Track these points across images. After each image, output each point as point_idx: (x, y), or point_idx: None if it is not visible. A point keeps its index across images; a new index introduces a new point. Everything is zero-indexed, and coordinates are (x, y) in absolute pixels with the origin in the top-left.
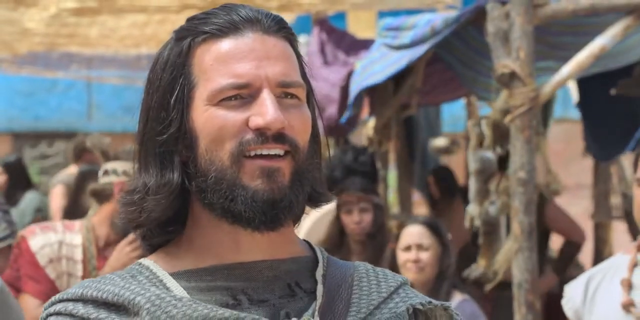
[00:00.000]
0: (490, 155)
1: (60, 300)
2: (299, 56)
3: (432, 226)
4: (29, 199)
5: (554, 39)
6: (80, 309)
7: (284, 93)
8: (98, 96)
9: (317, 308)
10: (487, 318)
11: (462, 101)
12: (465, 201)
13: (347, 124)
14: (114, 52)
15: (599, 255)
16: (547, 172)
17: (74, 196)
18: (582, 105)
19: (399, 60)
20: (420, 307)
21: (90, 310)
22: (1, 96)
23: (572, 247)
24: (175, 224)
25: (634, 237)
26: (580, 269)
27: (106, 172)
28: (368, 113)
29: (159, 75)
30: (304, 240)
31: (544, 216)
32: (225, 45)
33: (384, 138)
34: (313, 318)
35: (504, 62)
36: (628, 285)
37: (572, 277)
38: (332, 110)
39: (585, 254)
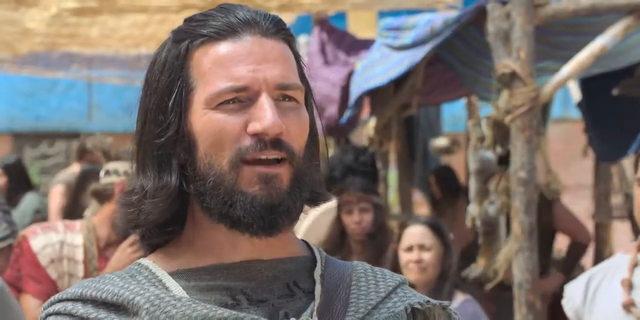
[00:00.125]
0: (490, 155)
1: (60, 300)
2: (297, 57)
3: (434, 226)
4: (28, 200)
5: (555, 38)
6: (79, 308)
7: (282, 95)
8: (98, 96)
9: (315, 308)
10: (489, 318)
11: (463, 101)
12: (467, 201)
13: (348, 124)
14: (115, 52)
15: (600, 255)
16: (548, 172)
17: (75, 196)
18: (586, 105)
19: (401, 62)
20: (419, 306)
21: (90, 310)
22: (2, 96)
23: (578, 247)
24: (174, 225)
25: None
26: (580, 269)
27: (107, 173)
28: (368, 113)
29: (156, 77)
30: (302, 240)
31: (552, 216)
32: (224, 48)
33: (384, 138)
34: (311, 318)
35: (505, 62)
36: (628, 285)
37: (572, 277)
38: (332, 110)
39: (586, 254)
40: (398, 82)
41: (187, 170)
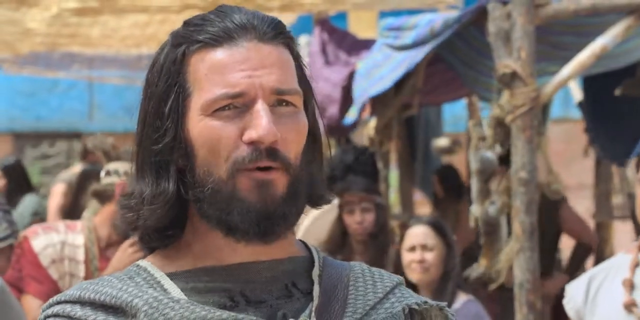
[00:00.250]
0: (490, 155)
1: (58, 302)
2: (298, 59)
3: (437, 226)
4: (27, 202)
5: (556, 39)
6: (78, 311)
7: (278, 101)
8: (99, 96)
9: (313, 309)
10: (492, 318)
11: (464, 101)
12: (470, 201)
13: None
14: (116, 52)
15: (600, 255)
16: (549, 172)
17: (75, 196)
18: (588, 105)
19: (402, 63)
20: (416, 307)
21: (88, 312)
22: (2, 96)
23: (583, 249)
24: (173, 229)
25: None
26: (581, 270)
27: (108, 173)
28: (369, 113)
29: (155, 80)
30: (300, 240)
31: (557, 217)
32: (220, 54)
33: (385, 138)
34: (310, 319)
35: (505, 62)
36: (630, 285)
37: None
38: (333, 110)
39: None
40: (399, 82)
41: (185, 177)
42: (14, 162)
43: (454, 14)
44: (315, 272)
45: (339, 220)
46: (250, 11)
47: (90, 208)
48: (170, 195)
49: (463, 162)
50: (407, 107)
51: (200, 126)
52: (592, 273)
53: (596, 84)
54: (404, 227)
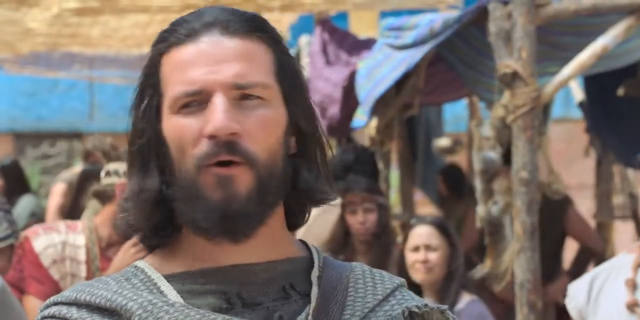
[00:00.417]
0: (493, 155)
1: (55, 304)
2: (280, 53)
3: (441, 226)
4: (24, 203)
5: (556, 39)
6: (74, 313)
7: (242, 95)
8: (100, 96)
9: (311, 311)
10: (496, 319)
11: (464, 101)
12: (475, 201)
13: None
14: (116, 52)
15: (601, 255)
16: (549, 171)
17: (75, 196)
18: (590, 105)
19: (402, 62)
20: (416, 309)
21: (84, 314)
22: (3, 96)
23: (588, 253)
24: (169, 229)
25: None
26: (584, 274)
27: (108, 173)
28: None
29: (139, 81)
30: (300, 240)
31: (564, 219)
32: (182, 52)
33: (386, 138)
34: None
35: (506, 62)
36: (632, 285)
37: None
38: (334, 110)
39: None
40: (399, 82)
41: (166, 176)
42: (11, 163)
43: (454, 13)
44: (315, 274)
45: (342, 220)
46: (228, 9)
47: (90, 208)
48: (150, 195)
49: (464, 162)
50: (408, 107)
51: (168, 124)
52: (595, 273)
53: (597, 84)
54: (405, 227)
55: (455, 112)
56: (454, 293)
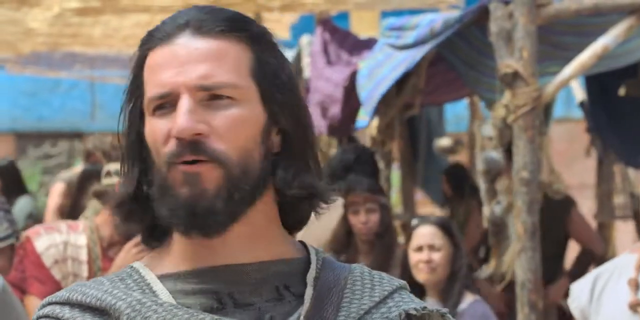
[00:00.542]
0: (495, 155)
1: (50, 303)
2: (262, 52)
3: (444, 226)
4: (21, 204)
5: (557, 39)
6: (66, 312)
7: (211, 95)
8: (101, 96)
9: (303, 312)
10: (499, 319)
11: (465, 101)
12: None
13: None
14: (117, 52)
15: (602, 258)
16: (550, 171)
17: (76, 196)
18: (591, 105)
19: (403, 62)
20: (414, 312)
21: (76, 314)
22: (5, 96)
23: (589, 255)
24: (157, 229)
25: None
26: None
27: (108, 173)
28: None
29: (127, 83)
30: (300, 241)
31: (567, 221)
32: (157, 55)
33: (387, 138)
34: None
35: (507, 62)
36: (635, 285)
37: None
38: (335, 110)
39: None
40: (400, 82)
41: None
42: (7, 164)
43: (455, 13)
44: (311, 275)
45: (344, 220)
46: (204, 8)
47: (91, 208)
48: (127, 196)
49: (465, 162)
50: (409, 107)
51: (147, 126)
52: (597, 272)
53: (598, 84)
54: (406, 227)
55: (456, 112)
56: (457, 293)
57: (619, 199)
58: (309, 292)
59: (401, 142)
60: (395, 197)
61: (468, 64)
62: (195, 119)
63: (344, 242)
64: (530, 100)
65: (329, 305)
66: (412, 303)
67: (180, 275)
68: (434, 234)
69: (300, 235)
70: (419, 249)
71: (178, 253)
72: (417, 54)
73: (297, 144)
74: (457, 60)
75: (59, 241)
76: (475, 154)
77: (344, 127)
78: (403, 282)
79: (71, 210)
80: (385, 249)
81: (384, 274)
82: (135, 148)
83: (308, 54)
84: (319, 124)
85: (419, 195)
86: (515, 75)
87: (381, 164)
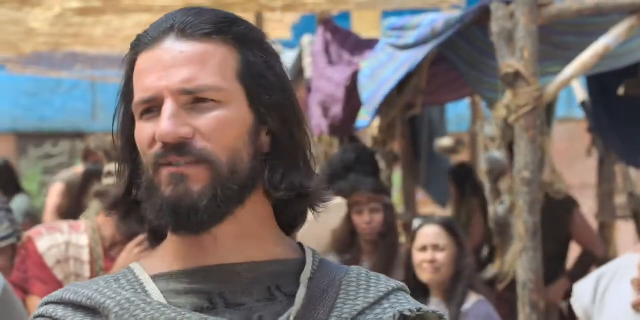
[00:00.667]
0: (498, 155)
1: (46, 303)
2: (253, 55)
3: (449, 226)
4: (18, 203)
5: (558, 38)
6: (59, 311)
7: (195, 99)
8: (102, 96)
9: (294, 312)
10: (502, 319)
11: (467, 101)
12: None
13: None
14: (119, 52)
15: (603, 260)
16: (552, 171)
17: (78, 196)
18: (592, 104)
19: (405, 63)
20: (409, 313)
21: (68, 313)
22: (6, 96)
23: (589, 257)
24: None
25: None
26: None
27: (109, 173)
28: None
29: (120, 87)
30: (298, 242)
31: (570, 222)
32: (143, 59)
33: (388, 138)
34: None
35: (508, 62)
36: (638, 285)
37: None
38: (336, 110)
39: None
40: (402, 82)
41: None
42: (2, 163)
43: (456, 13)
44: (305, 275)
45: (348, 220)
46: (191, 11)
47: (93, 208)
48: (121, 197)
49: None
50: (411, 107)
51: (136, 130)
52: (600, 272)
53: (599, 84)
54: (407, 226)
55: (458, 112)
56: (461, 293)
57: (620, 199)
58: (301, 292)
59: (403, 142)
60: (396, 197)
61: (469, 63)
62: (178, 122)
63: (348, 242)
64: (532, 100)
65: (321, 306)
66: (407, 304)
67: (173, 275)
68: (439, 234)
69: (300, 235)
70: (423, 248)
71: (171, 253)
72: (419, 54)
73: (286, 144)
74: (458, 60)
75: (60, 241)
76: (476, 154)
77: (345, 126)
78: (401, 284)
79: (73, 210)
80: (389, 249)
81: (381, 276)
82: (127, 151)
83: (309, 53)
84: (321, 124)
85: (420, 195)
86: (517, 75)
87: (382, 164)
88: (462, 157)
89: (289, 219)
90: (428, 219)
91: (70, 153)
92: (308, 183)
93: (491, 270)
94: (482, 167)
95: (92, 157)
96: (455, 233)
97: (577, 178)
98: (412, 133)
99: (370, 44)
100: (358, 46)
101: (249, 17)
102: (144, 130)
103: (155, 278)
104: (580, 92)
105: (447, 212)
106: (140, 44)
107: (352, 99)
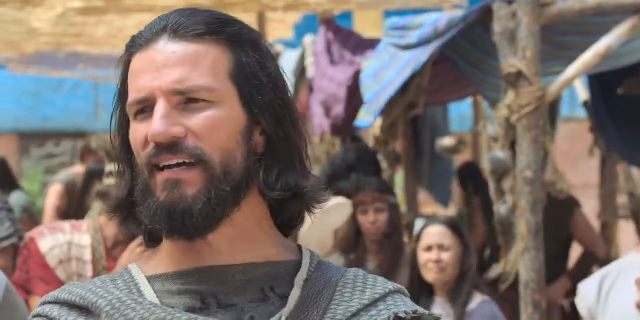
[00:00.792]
0: (501, 154)
1: (44, 303)
2: (246, 55)
3: (454, 226)
4: (15, 198)
5: (561, 38)
6: (55, 311)
7: (187, 99)
8: (105, 96)
9: (287, 313)
10: (506, 319)
11: (469, 101)
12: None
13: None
14: (121, 52)
15: (604, 260)
16: (554, 171)
17: (80, 196)
18: (595, 104)
19: (409, 64)
20: (404, 315)
21: (63, 312)
22: (8, 96)
23: (591, 257)
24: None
25: None
26: (586, 277)
27: (110, 174)
28: None
29: (116, 87)
30: (297, 244)
31: (571, 223)
32: (137, 61)
33: (390, 137)
34: None
35: (511, 62)
36: None
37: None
38: (338, 109)
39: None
40: (404, 82)
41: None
42: None
43: (459, 13)
44: (300, 277)
45: (353, 219)
46: (185, 11)
47: (95, 208)
48: (122, 199)
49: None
50: (413, 107)
51: (130, 130)
52: (605, 272)
53: (602, 83)
54: (409, 226)
55: (460, 112)
56: (466, 293)
57: (622, 199)
58: (294, 294)
59: (405, 142)
60: (398, 197)
61: (472, 63)
62: (170, 122)
63: (353, 241)
64: (534, 100)
65: (315, 307)
66: (404, 306)
67: (168, 276)
68: (444, 234)
69: (302, 237)
70: (429, 248)
71: (167, 254)
72: (423, 55)
73: (280, 144)
74: (461, 60)
75: (63, 241)
76: (479, 154)
77: (347, 126)
78: (399, 287)
79: (74, 210)
80: (394, 249)
81: (379, 278)
82: (124, 152)
83: (311, 53)
84: (323, 124)
85: (422, 195)
86: (519, 75)
87: (384, 164)
88: (465, 157)
89: (286, 219)
90: (433, 219)
91: (72, 153)
92: (304, 183)
93: (496, 270)
94: (485, 167)
95: (90, 156)
96: (460, 233)
97: (579, 178)
98: (415, 133)
99: (372, 44)
100: (360, 46)
101: (251, 17)
102: (137, 131)
103: (151, 279)
104: (582, 92)
105: (450, 212)
106: (135, 45)
107: (354, 98)
